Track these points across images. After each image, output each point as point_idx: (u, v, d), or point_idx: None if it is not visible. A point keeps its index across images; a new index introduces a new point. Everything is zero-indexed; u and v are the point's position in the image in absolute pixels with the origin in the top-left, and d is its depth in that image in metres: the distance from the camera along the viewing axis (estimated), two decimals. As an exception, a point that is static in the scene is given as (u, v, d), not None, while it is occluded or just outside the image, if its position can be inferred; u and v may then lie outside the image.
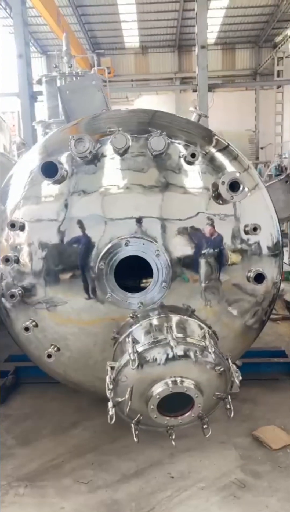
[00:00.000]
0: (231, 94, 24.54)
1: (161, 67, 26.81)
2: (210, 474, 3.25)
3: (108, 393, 2.60)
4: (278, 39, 23.44)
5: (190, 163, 3.13)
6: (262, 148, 24.89)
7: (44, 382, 4.19)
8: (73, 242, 3.12)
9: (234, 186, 2.93)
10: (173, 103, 25.66)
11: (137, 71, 27.06)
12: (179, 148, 3.19)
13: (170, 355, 2.60)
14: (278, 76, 22.11)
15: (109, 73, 17.74)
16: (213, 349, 2.60)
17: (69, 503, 3.04)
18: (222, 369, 2.63)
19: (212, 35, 24.05)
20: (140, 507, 2.98)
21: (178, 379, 2.59)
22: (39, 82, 12.43)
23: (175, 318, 2.89)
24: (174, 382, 2.59)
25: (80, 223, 3.09)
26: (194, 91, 12.52)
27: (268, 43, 25.91)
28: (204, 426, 2.76)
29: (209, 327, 2.87)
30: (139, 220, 3.04)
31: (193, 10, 11.71)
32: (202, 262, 3.11)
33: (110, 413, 2.59)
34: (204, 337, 2.69)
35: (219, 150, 3.37)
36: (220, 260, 3.14)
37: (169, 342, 2.58)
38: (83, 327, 3.24)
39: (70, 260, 3.13)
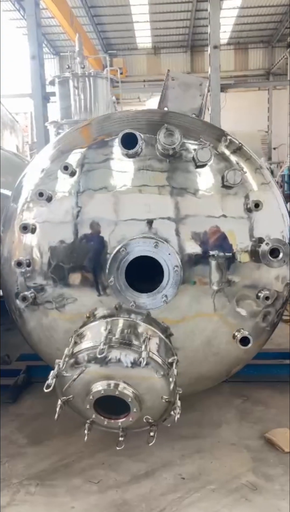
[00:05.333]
0: (244, 94, 24.48)
1: (174, 67, 26.78)
2: (221, 476, 3.23)
3: (60, 362, 2.64)
4: (291, 38, 23.35)
5: (250, 210, 3.07)
6: (274, 149, 24.81)
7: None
8: (84, 240, 3.07)
9: (274, 251, 2.91)
10: (185, 103, 25.63)
11: (149, 71, 27.12)
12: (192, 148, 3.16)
13: (136, 363, 2.61)
14: (291, 76, 21.99)
15: (121, 73, 17.80)
16: (173, 379, 2.63)
17: (80, 502, 3.04)
18: (168, 400, 2.65)
19: (224, 35, 24.05)
20: (150, 508, 2.97)
21: (128, 387, 2.61)
22: (52, 83, 12.52)
23: (153, 333, 2.88)
24: (121, 388, 2.61)
25: (91, 222, 3.05)
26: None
27: (282, 43, 25.82)
28: (120, 439, 2.77)
29: (176, 355, 2.85)
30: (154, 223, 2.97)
31: (206, 10, 11.68)
32: (213, 268, 3.05)
33: (49, 381, 2.63)
34: (171, 364, 2.71)
35: (233, 151, 3.34)
36: (229, 262, 3.07)
37: (142, 351, 2.61)
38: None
39: (83, 254, 3.06)
